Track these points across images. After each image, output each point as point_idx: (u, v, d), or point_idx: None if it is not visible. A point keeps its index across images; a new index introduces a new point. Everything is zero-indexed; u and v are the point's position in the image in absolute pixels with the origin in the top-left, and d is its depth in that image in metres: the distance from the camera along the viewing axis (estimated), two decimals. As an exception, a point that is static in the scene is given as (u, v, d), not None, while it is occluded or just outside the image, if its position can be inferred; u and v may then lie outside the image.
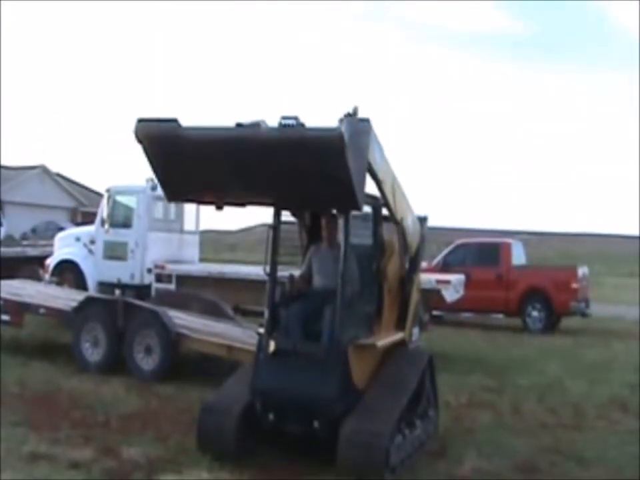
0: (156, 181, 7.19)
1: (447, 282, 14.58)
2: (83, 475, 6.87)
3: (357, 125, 6.56)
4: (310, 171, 6.44)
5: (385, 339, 7.94)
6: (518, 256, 20.74)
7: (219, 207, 7.19)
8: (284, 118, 6.28)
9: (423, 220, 9.13)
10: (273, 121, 6.37)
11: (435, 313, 19.19)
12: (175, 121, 6.59)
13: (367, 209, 8.16)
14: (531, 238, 49.48)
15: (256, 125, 6.42)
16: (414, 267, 8.86)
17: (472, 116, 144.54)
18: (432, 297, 14.59)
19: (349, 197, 6.45)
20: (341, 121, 6.45)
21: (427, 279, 14.26)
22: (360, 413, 7.16)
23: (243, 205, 7.22)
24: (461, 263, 19.72)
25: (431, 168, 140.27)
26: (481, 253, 20.55)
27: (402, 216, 8.20)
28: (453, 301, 14.86)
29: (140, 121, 6.68)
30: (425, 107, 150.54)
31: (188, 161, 6.83)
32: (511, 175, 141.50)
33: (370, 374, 7.68)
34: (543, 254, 37.29)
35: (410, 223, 8.52)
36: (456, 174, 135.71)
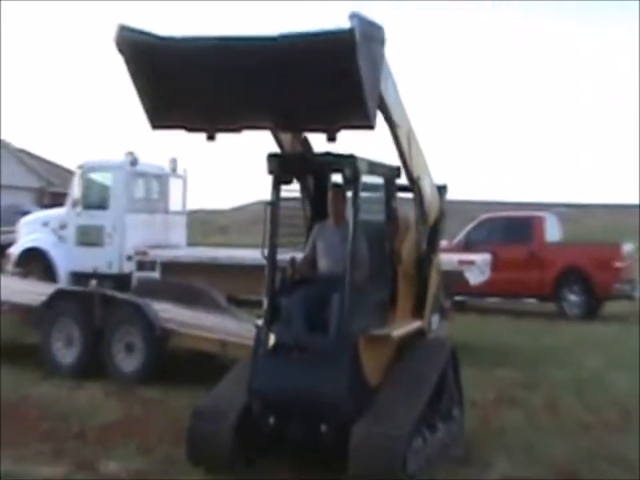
0: (140, 103, 7.02)
1: (471, 262, 14.59)
2: (55, 495, 6.90)
3: (371, 28, 6.34)
4: (315, 80, 6.36)
5: (401, 328, 7.95)
6: (552, 231, 20.72)
7: (211, 137, 7.08)
8: None
9: (442, 189, 9.10)
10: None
11: (457, 298, 19.28)
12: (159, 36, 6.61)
13: (378, 180, 8.19)
14: (570, 211, 49.39)
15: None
16: (433, 246, 8.86)
17: (501, 73, 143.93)
18: (454, 279, 14.62)
19: (359, 109, 6.33)
20: (352, 17, 6.10)
21: (448, 259, 14.27)
22: (373, 414, 7.17)
23: (237, 130, 7.09)
24: (486, 240, 19.70)
25: (450, 132, 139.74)
26: (509, 229, 20.52)
27: (419, 174, 8.17)
28: (477, 283, 14.89)
29: (122, 28, 6.62)
30: (442, 65, 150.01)
31: (175, 78, 6.78)
32: (547, 139, 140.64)
33: (384, 369, 7.70)
34: (585, 229, 37.20)
35: (428, 187, 8.49)
36: (481, 138, 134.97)
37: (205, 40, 6.50)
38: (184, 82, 6.80)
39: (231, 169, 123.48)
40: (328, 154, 7.52)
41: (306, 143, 8.14)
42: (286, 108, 6.82)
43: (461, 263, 14.54)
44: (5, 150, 51.73)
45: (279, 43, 6.26)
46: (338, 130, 6.71)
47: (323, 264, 8.04)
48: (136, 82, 6.86)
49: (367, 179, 7.63)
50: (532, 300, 20.28)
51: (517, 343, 15.14)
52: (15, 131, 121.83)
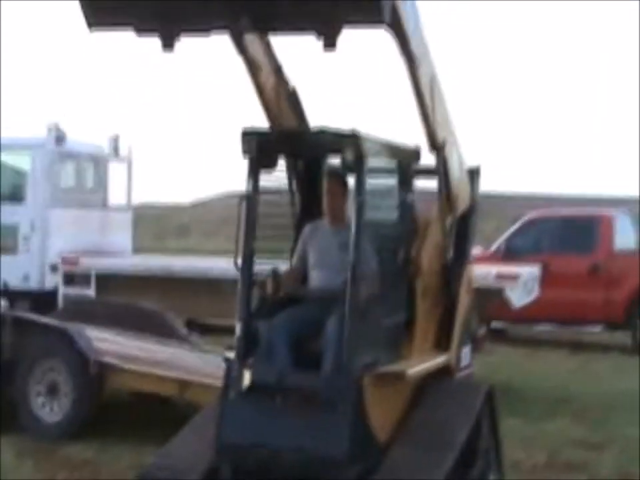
0: None
1: (514, 277, 14.60)
2: None
3: None
4: None
5: (420, 364, 7.95)
6: (625, 236, 20.70)
7: (168, 44, 6.75)
8: None
9: (474, 173, 9.14)
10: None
11: (496, 325, 19.31)
12: None
13: (389, 164, 8.19)
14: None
15: None
16: (462, 252, 8.90)
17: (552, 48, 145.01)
18: (491, 300, 14.65)
19: None
20: None
21: (483, 272, 14.34)
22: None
23: (201, 31, 6.85)
24: (535, 248, 19.78)
25: (495, 111, 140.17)
26: (565, 233, 20.58)
27: (444, 139, 8.06)
28: (523, 305, 14.86)
29: None
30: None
31: None
32: (611, 120, 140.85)
33: (397, 419, 7.74)
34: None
35: (456, 163, 8.48)
36: (530, 118, 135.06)
37: None
38: None
39: (193, 153, 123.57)
40: (323, 131, 7.53)
41: (296, 109, 8.15)
42: None
43: (500, 277, 14.55)
44: None
45: None
46: (339, 29, 6.26)
47: (315, 277, 8.06)
48: None
49: (374, 162, 7.65)
50: (597, 328, 20.29)
51: (577, 387, 15.10)
52: None
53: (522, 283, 14.59)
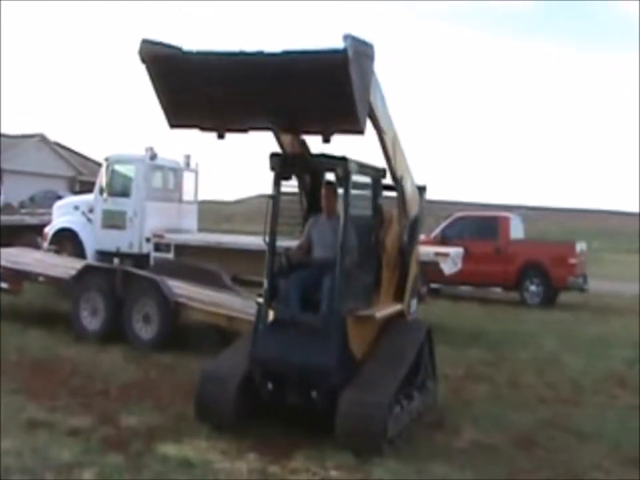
0: (159, 105, 7.00)
1: (446, 255, 14.57)
2: (81, 443, 6.86)
3: (362, 47, 6.32)
4: (313, 89, 6.41)
5: (384, 310, 7.93)
6: (516, 230, 20.69)
7: (220, 136, 7.10)
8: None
9: (421, 189, 9.07)
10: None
11: (433, 285, 19.28)
12: (179, 48, 6.66)
13: (366, 179, 8.16)
14: (531, 213, 49.52)
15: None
16: (413, 239, 8.81)
17: (473, 89, 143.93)
18: (430, 269, 14.63)
19: (351, 116, 6.36)
20: (345, 38, 6.12)
21: (425, 251, 14.26)
22: (358, 384, 7.16)
23: (244, 130, 7.12)
24: (459, 235, 19.67)
25: (431, 140, 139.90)
26: (479, 227, 20.49)
27: (402, 174, 8.12)
28: (451, 273, 14.87)
29: (144, 41, 6.65)
30: (421, 78, 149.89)
31: (191, 84, 6.82)
32: (512, 150, 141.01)
33: (368, 345, 7.68)
34: (544, 229, 37.29)
35: (409, 186, 8.45)
36: (457, 148, 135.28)
37: (218, 54, 6.51)
38: (199, 88, 6.80)
39: (236, 166, 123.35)
40: (323, 155, 7.49)
41: (304, 145, 8.08)
42: (287, 113, 6.83)
43: (437, 254, 14.51)
44: (43, 142, 51.58)
45: (282, 58, 6.26)
46: (332, 133, 6.72)
47: (316, 251, 8.01)
48: (156, 88, 6.86)
49: (356, 178, 7.61)
50: (498, 289, 20.22)
51: (484, 327, 15.04)
52: (51, 125, 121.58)
53: (451, 259, 14.56)
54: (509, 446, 7.50)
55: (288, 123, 7.10)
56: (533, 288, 19.41)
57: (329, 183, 8.08)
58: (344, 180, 7.39)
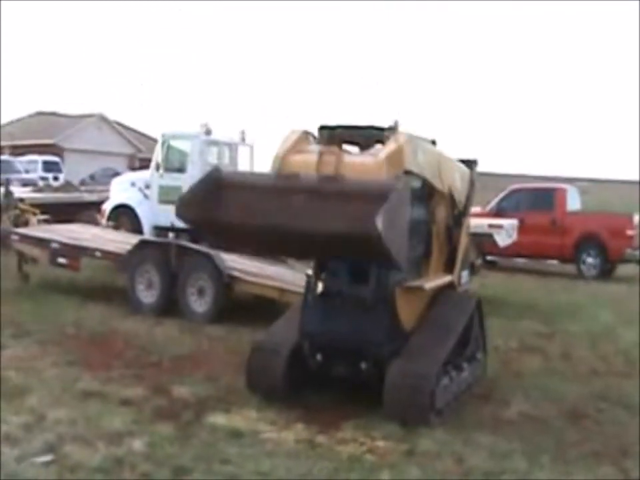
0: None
1: (500, 226, 14.38)
2: (133, 413, 6.97)
3: (398, 205, 6.28)
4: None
5: (433, 281, 7.86)
6: (573, 202, 20.35)
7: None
8: None
9: (472, 163, 8.96)
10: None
11: (489, 258, 19.12)
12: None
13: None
14: (593, 185, 48.52)
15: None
16: (463, 211, 8.72)
17: (531, 53, 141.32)
18: (484, 241, 14.47)
19: (390, 263, 6.48)
20: (377, 219, 5.93)
21: (479, 223, 14.12)
22: (406, 355, 7.13)
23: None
24: (515, 208, 19.44)
25: (491, 113, 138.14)
26: (535, 199, 20.20)
27: (449, 184, 8.14)
28: (505, 245, 14.66)
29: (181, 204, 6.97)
30: (475, 43, 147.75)
31: (229, 234, 7.21)
32: (576, 121, 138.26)
33: (417, 316, 7.64)
34: (606, 201, 36.43)
35: (459, 183, 8.47)
36: (518, 119, 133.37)
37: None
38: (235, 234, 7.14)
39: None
40: (371, 127, 7.42)
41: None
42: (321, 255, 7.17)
43: (491, 226, 14.33)
44: (102, 121, 52.28)
45: (320, 236, 6.38)
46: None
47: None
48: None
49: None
50: (554, 262, 19.97)
51: (539, 299, 14.88)
52: (111, 105, 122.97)
53: (504, 230, 14.35)
54: (558, 418, 7.41)
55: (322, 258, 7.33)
56: (589, 260, 19.10)
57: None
58: (394, 150, 7.34)
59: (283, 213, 6.54)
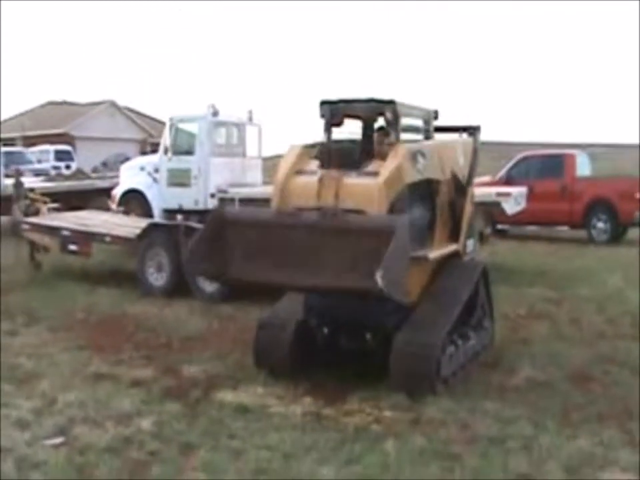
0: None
1: (507, 194, 14.27)
2: (143, 393, 7.05)
3: (397, 246, 6.39)
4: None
5: (437, 251, 7.84)
6: (583, 167, 20.20)
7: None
8: None
9: (474, 130, 8.88)
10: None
11: (500, 226, 19.05)
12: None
13: (417, 121, 8.07)
14: (609, 150, 48.14)
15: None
16: (467, 180, 8.67)
17: (544, 18, 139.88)
18: (493, 210, 14.41)
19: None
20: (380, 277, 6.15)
21: (487, 192, 14.06)
22: (411, 325, 7.14)
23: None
24: (525, 175, 19.32)
25: (507, 81, 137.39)
26: (544, 165, 20.04)
27: (451, 169, 8.19)
28: (513, 213, 14.55)
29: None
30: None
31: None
32: (588, 84, 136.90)
33: (422, 286, 7.63)
34: (619, 167, 36.18)
35: (461, 160, 8.48)
36: (534, 86, 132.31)
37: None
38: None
39: (298, 121, 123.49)
40: (372, 100, 7.43)
41: None
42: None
43: (499, 194, 14.23)
44: (113, 108, 52.36)
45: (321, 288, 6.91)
46: None
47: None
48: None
49: (407, 120, 7.53)
50: (565, 228, 19.85)
51: (550, 265, 14.80)
52: (121, 91, 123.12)
53: (512, 198, 14.22)
54: (564, 382, 7.42)
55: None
56: (600, 225, 18.97)
57: (381, 128, 7.96)
58: (393, 122, 7.35)
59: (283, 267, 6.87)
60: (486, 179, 20.92)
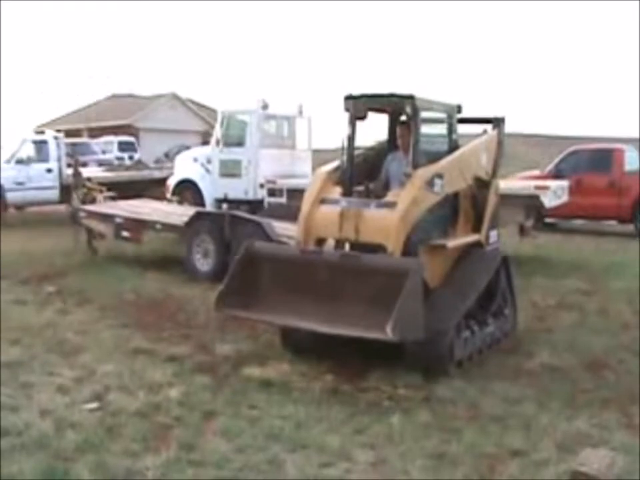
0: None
1: (546, 188, 14.43)
2: (175, 367, 7.56)
3: (410, 290, 6.71)
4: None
5: (457, 240, 8.15)
6: (632, 162, 20.11)
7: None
8: None
9: (498, 121, 9.10)
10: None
11: (548, 220, 19.15)
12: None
13: (440, 115, 8.38)
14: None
15: None
16: (493, 173, 8.91)
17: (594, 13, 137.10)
18: (534, 202, 14.55)
19: None
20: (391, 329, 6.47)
21: (525, 185, 14.28)
22: (427, 308, 7.37)
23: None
24: (573, 169, 19.34)
25: (564, 77, 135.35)
26: (593, 160, 20.02)
27: (473, 174, 8.44)
28: (552, 206, 14.67)
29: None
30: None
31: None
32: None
33: (442, 275, 7.93)
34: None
35: (484, 160, 8.71)
36: (588, 81, 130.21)
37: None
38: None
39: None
40: (392, 95, 7.77)
41: None
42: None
43: (537, 188, 14.38)
44: (175, 100, 53.32)
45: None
46: None
47: (392, 185, 8.20)
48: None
49: (428, 114, 7.85)
50: (613, 222, 19.86)
51: (590, 259, 14.87)
52: (183, 83, 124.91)
53: (552, 191, 14.33)
54: (578, 368, 7.66)
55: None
56: (647, 220, 18.96)
57: (403, 122, 8.32)
58: (413, 116, 7.70)
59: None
60: (535, 172, 21.07)
